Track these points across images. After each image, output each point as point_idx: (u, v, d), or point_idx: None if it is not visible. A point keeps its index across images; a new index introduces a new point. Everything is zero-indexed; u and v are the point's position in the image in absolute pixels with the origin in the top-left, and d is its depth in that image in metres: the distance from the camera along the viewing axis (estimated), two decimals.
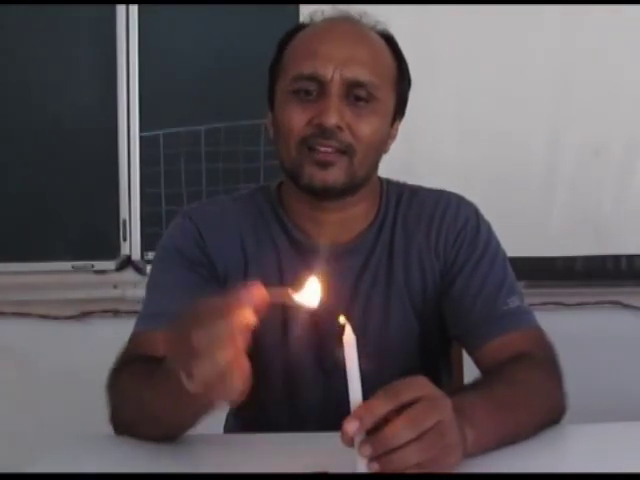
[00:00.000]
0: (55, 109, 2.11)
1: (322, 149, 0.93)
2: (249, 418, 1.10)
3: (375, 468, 0.63)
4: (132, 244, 2.13)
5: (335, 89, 0.93)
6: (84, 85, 2.12)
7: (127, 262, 2.13)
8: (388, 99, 0.99)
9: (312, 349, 1.02)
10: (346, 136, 0.94)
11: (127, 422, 0.88)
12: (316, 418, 1.01)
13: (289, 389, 1.04)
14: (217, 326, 0.63)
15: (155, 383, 0.81)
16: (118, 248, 2.13)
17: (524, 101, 2.02)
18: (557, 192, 2.05)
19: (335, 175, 0.94)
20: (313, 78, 0.94)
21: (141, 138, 2.11)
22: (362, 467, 0.64)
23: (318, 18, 1.02)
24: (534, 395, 0.84)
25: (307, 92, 0.94)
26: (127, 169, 2.11)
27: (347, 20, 1.01)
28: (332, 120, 0.92)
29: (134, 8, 2.09)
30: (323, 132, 0.93)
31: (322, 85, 0.94)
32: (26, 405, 2.09)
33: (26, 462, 0.79)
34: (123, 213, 2.12)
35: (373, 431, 0.63)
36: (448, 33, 2.02)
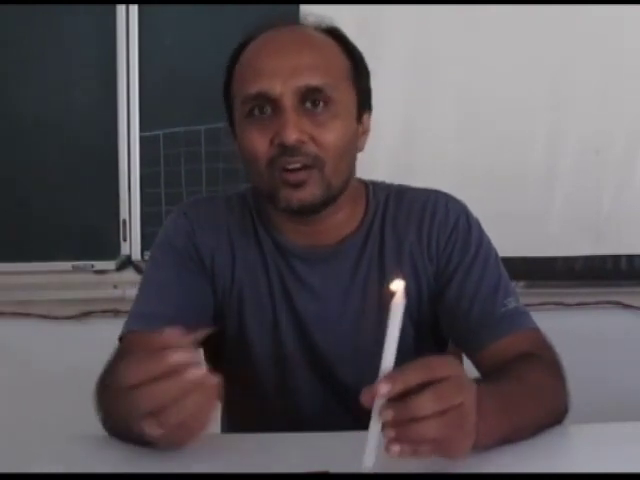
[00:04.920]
0: (55, 109, 2.11)
1: (290, 167, 0.91)
2: (247, 429, 1.09)
3: (395, 451, 0.63)
4: (132, 244, 2.13)
5: (288, 102, 0.89)
6: (84, 85, 2.12)
7: (127, 262, 2.14)
8: (348, 98, 0.95)
9: (305, 357, 1.02)
10: (311, 148, 0.90)
11: (119, 430, 0.83)
12: (315, 422, 1.00)
13: (285, 398, 1.03)
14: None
15: None
16: (118, 248, 2.13)
17: (524, 101, 2.02)
18: (557, 192, 2.05)
19: (310, 192, 0.92)
20: (261, 96, 0.90)
21: (141, 138, 2.11)
22: (372, 443, 0.64)
23: (261, 30, 0.97)
24: (540, 394, 0.84)
25: (261, 111, 0.91)
26: (127, 169, 2.11)
27: (288, 28, 0.97)
28: (292, 137, 0.88)
29: (134, 8, 2.09)
30: (286, 150, 0.89)
31: (273, 102, 0.90)
32: (26, 405, 2.09)
33: (26, 462, 0.79)
34: (123, 213, 2.13)
35: (394, 400, 0.64)
36: (448, 33, 2.02)
